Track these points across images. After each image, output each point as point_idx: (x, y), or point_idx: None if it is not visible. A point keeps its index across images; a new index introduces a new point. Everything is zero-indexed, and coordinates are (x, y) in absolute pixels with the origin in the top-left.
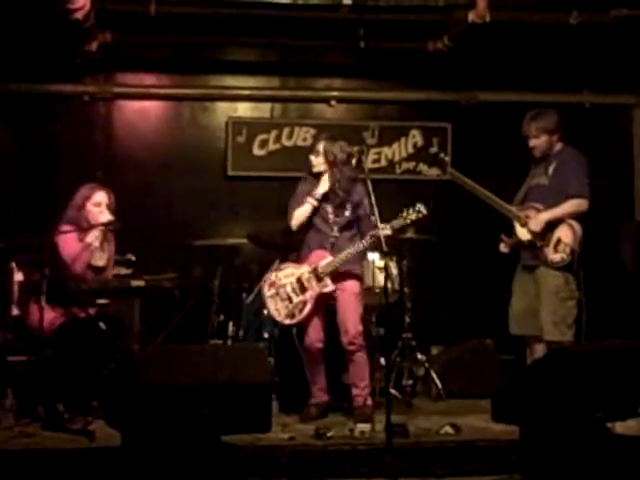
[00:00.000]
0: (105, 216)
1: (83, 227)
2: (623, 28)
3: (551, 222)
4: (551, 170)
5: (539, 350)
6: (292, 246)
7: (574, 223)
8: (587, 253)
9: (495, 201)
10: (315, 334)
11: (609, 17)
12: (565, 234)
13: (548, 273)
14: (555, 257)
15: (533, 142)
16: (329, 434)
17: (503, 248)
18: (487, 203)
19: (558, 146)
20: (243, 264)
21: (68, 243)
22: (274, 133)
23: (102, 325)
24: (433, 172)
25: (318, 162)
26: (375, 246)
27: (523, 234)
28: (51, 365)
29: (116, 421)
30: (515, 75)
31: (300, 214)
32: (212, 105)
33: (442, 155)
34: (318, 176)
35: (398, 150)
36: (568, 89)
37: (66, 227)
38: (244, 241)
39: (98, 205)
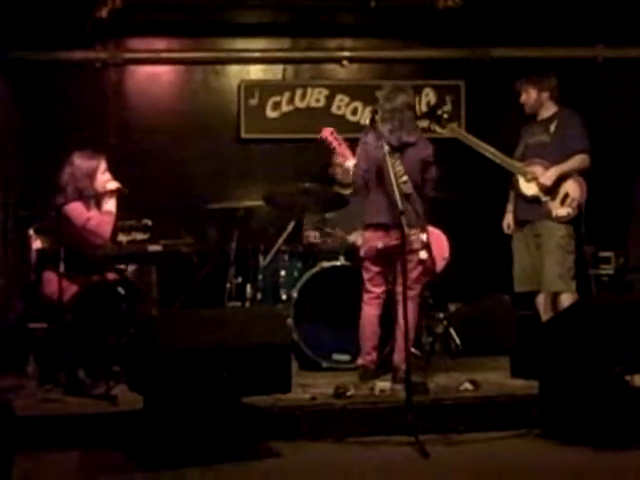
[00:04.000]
0: (112, 183)
1: (89, 195)
2: None
3: (560, 177)
4: (552, 128)
5: (543, 302)
6: (309, 207)
7: (580, 178)
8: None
9: (499, 156)
10: None
11: None
12: (573, 189)
13: (552, 226)
14: (561, 211)
15: (522, 98)
16: (349, 393)
17: (507, 229)
18: (490, 159)
19: (553, 107)
20: (259, 226)
21: (79, 213)
22: (287, 95)
23: (121, 290)
24: (447, 130)
25: None
26: None
27: (528, 189)
28: (71, 332)
29: (137, 385)
30: (527, 30)
31: None
32: (224, 68)
33: (440, 111)
34: None
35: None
36: (580, 43)
37: (72, 197)
38: (259, 203)
39: (104, 173)
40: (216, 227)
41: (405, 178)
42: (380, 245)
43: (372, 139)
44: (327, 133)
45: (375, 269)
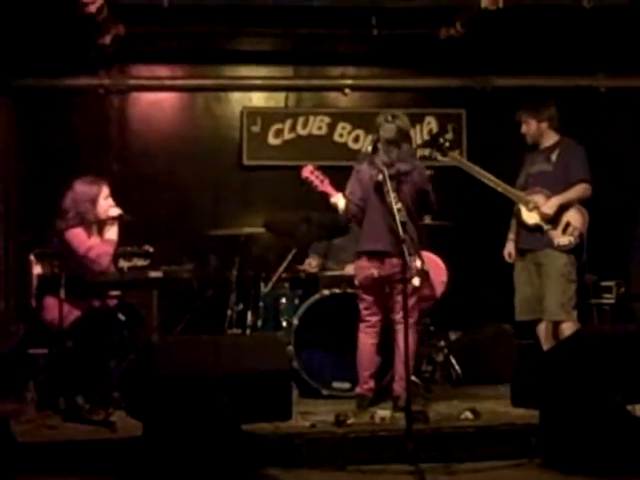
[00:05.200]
0: (115, 209)
1: (91, 221)
2: (638, 10)
3: (562, 206)
4: (554, 157)
5: (544, 331)
6: (310, 235)
7: (582, 207)
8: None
9: (500, 185)
10: None
11: None
12: (574, 218)
13: (554, 255)
14: (563, 240)
15: (523, 128)
16: (349, 421)
17: (508, 258)
18: (492, 187)
19: (554, 136)
20: (260, 253)
21: (81, 240)
22: (289, 122)
23: (121, 316)
24: (448, 158)
25: None
26: None
27: (530, 218)
28: (71, 357)
29: (137, 411)
30: (529, 60)
31: None
32: (226, 95)
33: (441, 140)
34: None
35: (413, 137)
36: (582, 73)
37: (74, 223)
38: (261, 230)
39: (106, 198)
40: (217, 254)
41: (399, 206)
42: (376, 274)
43: (366, 167)
44: (307, 172)
45: (371, 298)
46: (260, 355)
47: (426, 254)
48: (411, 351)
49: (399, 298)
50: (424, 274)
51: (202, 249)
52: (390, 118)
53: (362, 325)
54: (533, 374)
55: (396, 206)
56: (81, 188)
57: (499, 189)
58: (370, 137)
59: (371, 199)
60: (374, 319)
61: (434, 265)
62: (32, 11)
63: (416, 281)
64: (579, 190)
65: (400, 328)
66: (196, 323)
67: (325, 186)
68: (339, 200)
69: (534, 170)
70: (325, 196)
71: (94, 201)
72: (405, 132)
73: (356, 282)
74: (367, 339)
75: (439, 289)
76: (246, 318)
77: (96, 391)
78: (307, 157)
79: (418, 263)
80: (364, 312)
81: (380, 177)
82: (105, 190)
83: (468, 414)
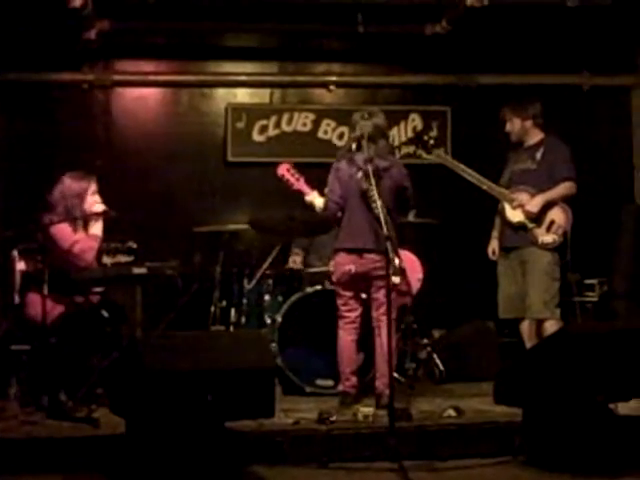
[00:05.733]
0: (100, 205)
1: (76, 217)
2: (621, 9)
3: (546, 204)
4: (538, 156)
5: (527, 329)
6: (294, 232)
7: (566, 206)
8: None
9: (485, 183)
10: None
11: None
12: (558, 216)
13: (538, 253)
14: (547, 238)
15: (507, 126)
16: (332, 418)
17: (491, 255)
18: (476, 185)
19: (539, 134)
20: (244, 250)
21: (65, 235)
22: (274, 119)
23: (104, 313)
24: (433, 156)
25: None
26: None
27: (514, 216)
28: (54, 354)
29: (120, 408)
30: (514, 58)
31: None
32: (211, 91)
33: (426, 137)
34: None
35: (398, 134)
36: (566, 71)
37: (60, 218)
38: (245, 227)
39: (94, 194)
40: (201, 250)
41: (379, 203)
42: (353, 270)
43: (345, 166)
44: (283, 170)
45: (348, 294)
46: (244, 352)
47: (402, 252)
48: (392, 348)
49: (377, 295)
50: (402, 272)
51: (186, 245)
52: (366, 115)
53: (341, 322)
54: (516, 372)
55: (378, 203)
56: (70, 183)
57: (483, 187)
58: (352, 135)
59: (351, 197)
60: (353, 315)
61: (410, 262)
62: (16, 5)
63: (396, 279)
64: (563, 188)
65: (379, 325)
66: (180, 320)
67: (300, 184)
68: (315, 199)
69: (518, 168)
70: (300, 194)
71: (82, 196)
72: (382, 129)
73: (334, 278)
74: (346, 335)
75: (415, 286)
76: (230, 315)
77: (79, 388)
78: (291, 154)
79: (396, 261)
80: (342, 308)
81: (360, 175)
82: (93, 186)
83: (451, 412)
